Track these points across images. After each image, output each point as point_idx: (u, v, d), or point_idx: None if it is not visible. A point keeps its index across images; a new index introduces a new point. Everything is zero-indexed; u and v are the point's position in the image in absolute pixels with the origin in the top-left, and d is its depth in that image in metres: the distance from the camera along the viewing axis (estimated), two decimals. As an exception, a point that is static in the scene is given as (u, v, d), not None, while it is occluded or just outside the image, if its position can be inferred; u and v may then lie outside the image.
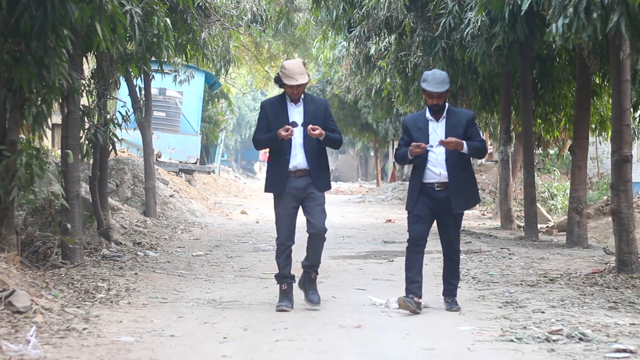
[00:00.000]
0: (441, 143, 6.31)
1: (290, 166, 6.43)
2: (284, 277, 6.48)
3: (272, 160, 6.60)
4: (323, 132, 6.36)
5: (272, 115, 6.46)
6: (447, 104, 6.48)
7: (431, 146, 6.39)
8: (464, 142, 6.33)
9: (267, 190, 6.62)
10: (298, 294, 6.69)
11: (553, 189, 21.27)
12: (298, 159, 6.43)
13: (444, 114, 6.45)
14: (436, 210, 6.43)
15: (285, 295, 6.44)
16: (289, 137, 6.31)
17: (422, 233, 6.45)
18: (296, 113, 6.44)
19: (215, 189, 28.86)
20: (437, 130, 6.43)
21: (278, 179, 6.47)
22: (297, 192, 6.43)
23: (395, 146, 43.67)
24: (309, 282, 6.57)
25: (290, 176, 6.43)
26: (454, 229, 6.51)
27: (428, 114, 6.47)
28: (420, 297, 6.37)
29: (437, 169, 6.38)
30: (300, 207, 6.50)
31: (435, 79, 6.34)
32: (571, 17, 7.52)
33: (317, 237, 6.44)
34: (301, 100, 6.46)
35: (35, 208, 8.75)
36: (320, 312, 6.40)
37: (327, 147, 6.60)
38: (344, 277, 8.53)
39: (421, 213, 6.42)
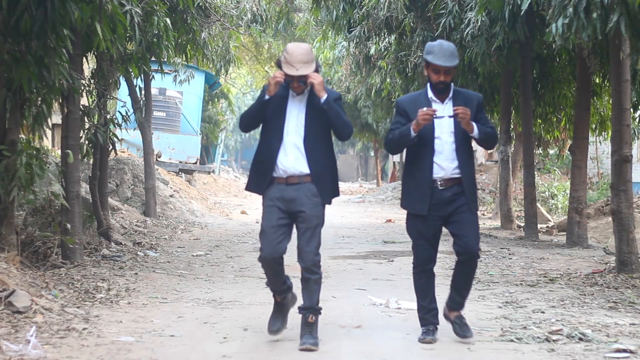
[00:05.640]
0: (456, 112, 5.14)
1: (280, 170, 5.16)
2: (276, 292, 5.36)
3: (256, 157, 5.32)
4: (324, 91, 5.11)
5: (270, 104, 5.22)
6: (452, 83, 5.34)
7: (440, 117, 5.24)
8: (474, 123, 5.22)
9: (247, 187, 5.38)
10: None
11: (553, 189, 21.29)
12: (290, 161, 5.15)
13: (450, 94, 5.30)
14: (443, 215, 5.26)
15: (279, 310, 5.35)
16: (279, 81, 5.08)
17: (431, 253, 5.35)
18: (297, 105, 5.21)
19: (215, 189, 28.85)
20: (443, 113, 5.27)
21: (259, 182, 5.26)
22: (287, 205, 5.15)
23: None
24: (305, 326, 5.17)
25: (280, 184, 5.16)
26: (471, 227, 5.23)
27: (430, 94, 5.30)
28: (438, 324, 5.47)
29: (443, 162, 5.24)
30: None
31: (442, 51, 5.17)
32: (571, 17, 7.52)
33: (306, 272, 5.17)
34: (306, 91, 5.22)
35: (35, 208, 8.74)
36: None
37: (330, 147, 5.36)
38: (344, 277, 8.53)
39: (426, 230, 5.29)
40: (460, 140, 5.25)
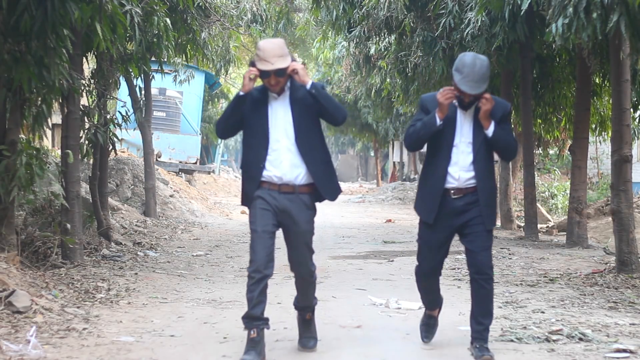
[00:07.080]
0: (483, 98, 4.83)
1: (274, 176, 4.82)
2: (253, 320, 4.75)
3: (243, 169, 4.99)
4: (307, 77, 4.80)
5: (249, 108, 4.85)
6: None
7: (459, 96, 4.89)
8: (493, 123, 4.92)
9: (242, 202, 5.05)
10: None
11: (553, 189, 21.30)
12: (285, 167, 4.81)
13: (475, 103, 4.94)
14: (454, 225, 5.01)
15: (253, 346, 4.72)
16: (255, 74, 4.76)
17: (435, 266, 5.17)
18: (279, 106, 4.85)
19: (215, 189, 28.87)
20: (465, 120, 4.95)
21: (251, 195, 4.90)
22: (278, 214, 4.84)
23: (396, 146, 43.08)
24: (303, 324, 5.15)
25: (272, 190, 4.81)
26: (482, 242, 4.95)
27: (455, 100, 4.96)
28: (440, 308, 5.48)
29: (457, 172, 4.95)
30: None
31: (473, 74, 4.74)
32: (571, 17, 7.52)
33: (300, 280, 5.07)
34: (287, 89, 4.86)
35: (35, 208, 8.75)
36: (320, 312, 6.36)
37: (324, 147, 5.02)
38: (344, 277, 8.53)
39: (433, 240, 5.09)
40: (477, 152, 4.93)
